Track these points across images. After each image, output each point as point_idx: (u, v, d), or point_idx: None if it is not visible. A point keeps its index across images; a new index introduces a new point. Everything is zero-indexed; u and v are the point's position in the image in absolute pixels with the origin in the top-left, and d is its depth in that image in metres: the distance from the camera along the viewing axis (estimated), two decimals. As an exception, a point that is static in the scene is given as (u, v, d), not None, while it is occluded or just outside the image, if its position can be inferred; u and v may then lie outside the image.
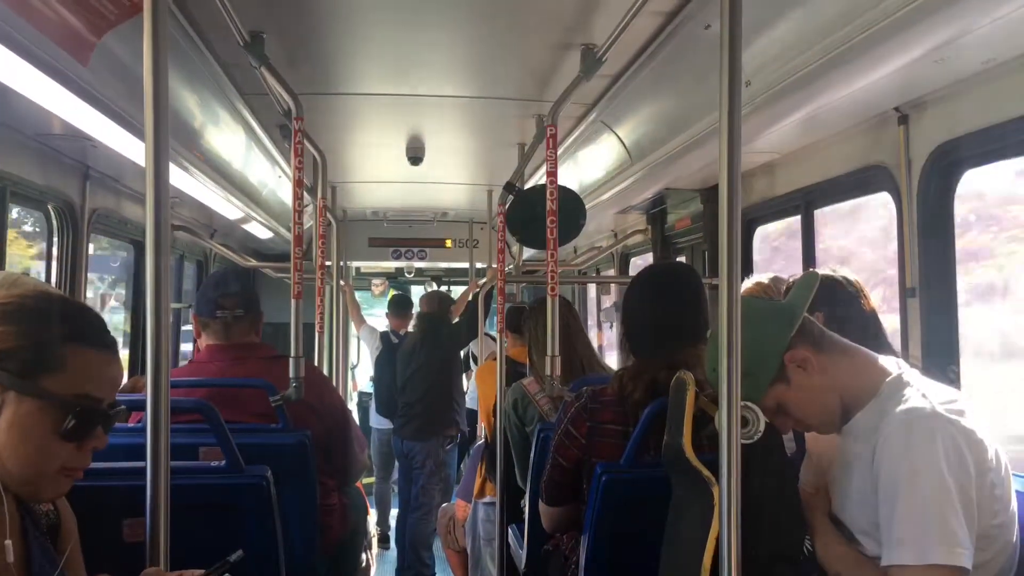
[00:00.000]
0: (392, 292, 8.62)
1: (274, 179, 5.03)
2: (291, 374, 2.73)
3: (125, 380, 3.02)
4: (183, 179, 3.59)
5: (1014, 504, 1.70)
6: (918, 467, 1.59)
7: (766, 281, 2.80)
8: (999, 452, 1.68)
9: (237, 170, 4.28)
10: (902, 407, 1.67)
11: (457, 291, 8.31)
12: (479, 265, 7.50)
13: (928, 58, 2.17)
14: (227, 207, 4.49)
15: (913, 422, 1.63)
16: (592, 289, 7.55)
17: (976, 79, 2.35)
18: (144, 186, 1.64)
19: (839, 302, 2.22)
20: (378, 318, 8.28)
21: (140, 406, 1.67)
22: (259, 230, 5.58)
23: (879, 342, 2.19)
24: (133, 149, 2.93)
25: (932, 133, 2.58)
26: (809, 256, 3.48)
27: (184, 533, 1.74)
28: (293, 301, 2.86)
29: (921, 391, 1.70)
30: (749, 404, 1.68)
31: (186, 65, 3.05)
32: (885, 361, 1.83)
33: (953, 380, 2.49)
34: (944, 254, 2.60)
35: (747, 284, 2.83)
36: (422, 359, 6.05)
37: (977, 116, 2.40)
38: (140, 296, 4.21)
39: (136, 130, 2.72)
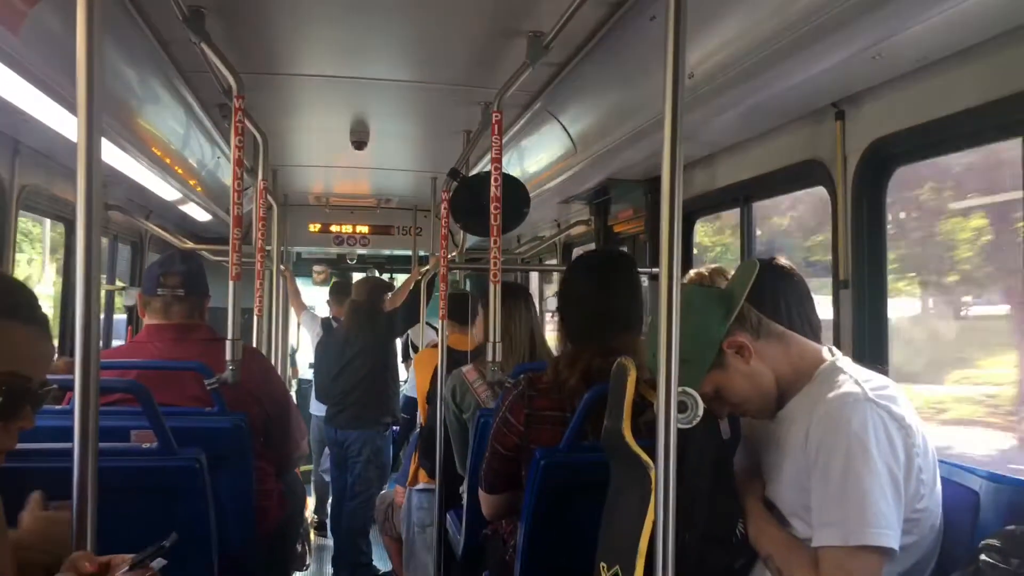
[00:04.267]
0: (334, 279, 8.52)
1: (213, 160, 4.92)
2: (228, 356, 2.69)
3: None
4: (118, 157, 3.50)
5: (938, 488, 1.76)
6: (849, 450, 1.64)
7: (705, 272, 2.85)
8: (926, 437, 1.73)
9: (175, 149, 4.17)
10: (835, 392, 1.71)
11: (400, 279, 8.25)
12: (422, 253, 7.46)
13: (865, 55, 2.22)
14: (163, 187, 4.39)
15: (845, 407, 1.68)
16: (535, 278, 7.58)
17: (910, 77, 2.42)
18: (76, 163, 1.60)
19: (787, 290, 2.27)
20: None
21: (70, 386, 1.62)
22: (197, 212, 5.46)
23: (818, 329, 2.25)
24: (65, 124, 2.84)
25: (867, 129, 2.65)
26: (748, 248, 3.54)
27: (115, 517, 1.70)
28: (231, 283, 2.82)
29: (854, 377, 1.74)
30: (687, 390, 1.71)
31: (123, 39, 2.96)
32: (820, 348, 1.88)
33: (883, 368, 2.56)
34: (876, 247, 2.67)
35: (688, 275, 2.88)
36: (357, 348, 6.00)
37: (911, 113, 2.47)
38: (71, 275, 4.10)
39: (69, 105, 2.64)
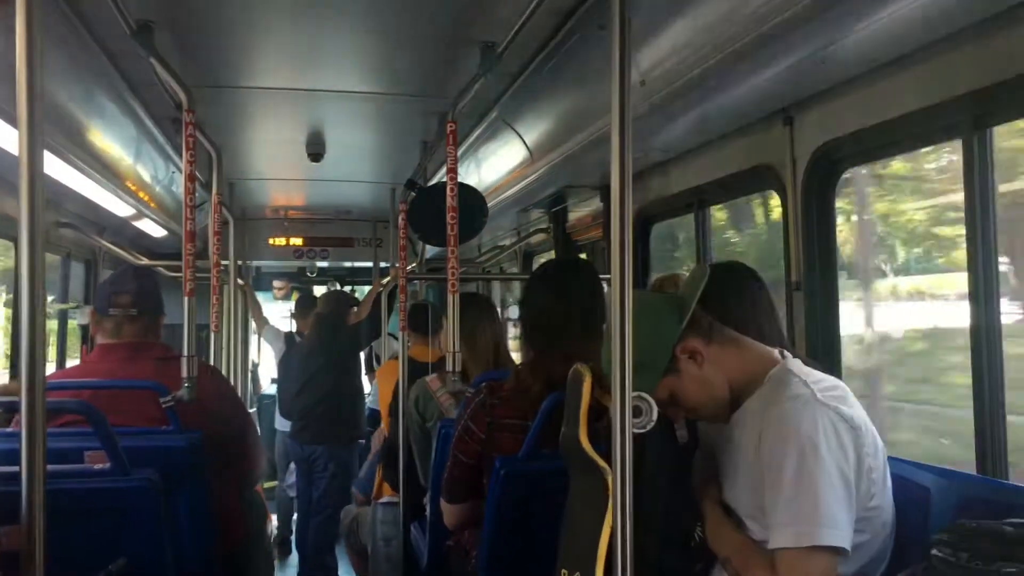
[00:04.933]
0: (296, 294, 8.46)
1: (167, 175, 4.87)
2: (183, 374, 2.66)
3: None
4: (67, 173, 3.44)
5: (889, 486, 1.79)
6: (799, 452, 1.65)
7: (654, 280, 2.88)
8: (876, 436, 1.76)
9: (127, 165, 4.12)
10: (785, 394, 1.73)
11: (362, 291, 8.21)
12: (383, 264, 7.43)
13: (811, 59, 2.26)
14: (116, 203, 4.32)
15: (795, 409, 1.69)
16: (497, 287, 7.59)
17: (856, 82, 2.46)
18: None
19: (740, 294, 2.28)
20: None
21: (17, 407, 1.59)
22: (152, 227, 5.39)
23: (776, 333, 2.27)
24: (10, 141, 2.79)
25: (814, 134, 2.69)
26: (704, 252, 3.57)
27: (66, 540, 1.67)
28: (185, 299, 2.79)
29: (804, 379, 1.76)
30: (642, 395, 1.71)
31: (69, 54, 2.92)
32: (771, 351, 1.90)
33: (834, 369, 2.60)
34: (826, 250, 2.71)
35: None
36: (321, 361, 5.95)
37: (856, 117, 2.52)
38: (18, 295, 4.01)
39: (12, 119, 2.59)
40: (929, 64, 2.23)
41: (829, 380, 1.80)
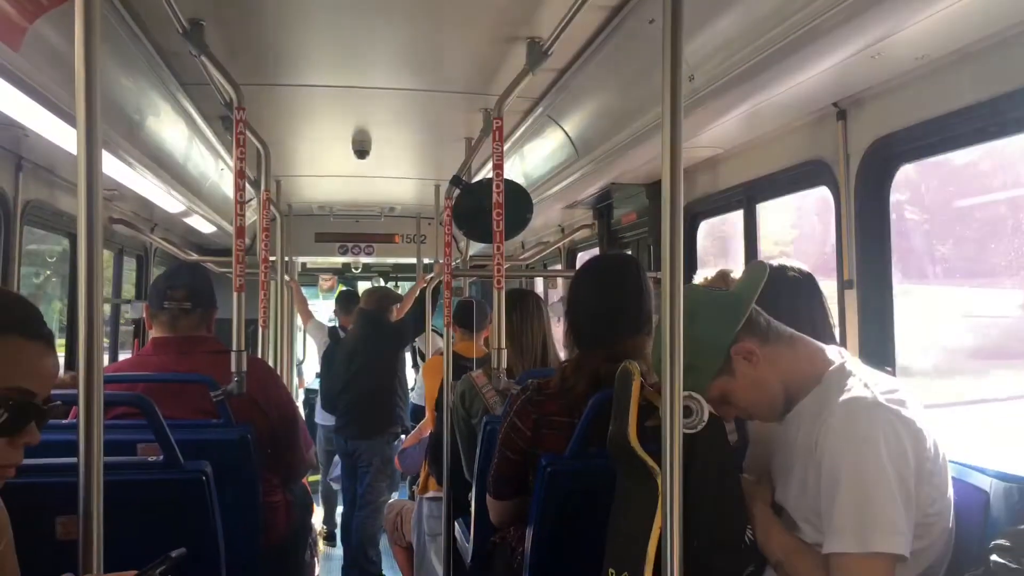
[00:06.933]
0: (340, 288, 8.55)
1: (217, 172, 4.94)
2: (233, 368, 2.69)
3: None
4: (121, 171, 3.51)
5: (950, 492, 1.74)
6: (859, 456, 1.62)
7: (712, 276, 2.83)
8: (936, 441, 1.72)
9: (178, 162, 4.19)
10: (844, 396, 1.69)
11: (405, 287, 8.27)
12: (427, 260, 7.46)
13: (864, 54, 2.21)
14: (167, 200, 4.40)
15: (855, 411, 1.66)
16: (539, 284, 7.57)
17: (911, 75, 2.41)
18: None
19: (790, 292, 2.24)
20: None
21: (75, 400, 1.62)
22: (201, 224, 5.48)
23: (827, 332, 2.23)
24: (68, 139, 2.85)
25: (869, 128, 2.64)
26: (752, 250, 3.53)
27: (121, 531, 1.69)
28: (235, 295, 2.83)
29: (863, 380, 1.72)
30: (693, 394, 1.69)
31: (123, 53, 2.97)
32: (828, 350, 1.86)
33: (889, 370, 2.54)
34: (880, 247, 2.65)
35: (695, 280, 2.86)
36: (364, 357, 6.00)
37: (912, 111, 2.46)
38: (75, 289, 4.11)
39: (71, 119, 2.64)
40: (988, 57, 2.16)
41: (889, 382, 1.76)
